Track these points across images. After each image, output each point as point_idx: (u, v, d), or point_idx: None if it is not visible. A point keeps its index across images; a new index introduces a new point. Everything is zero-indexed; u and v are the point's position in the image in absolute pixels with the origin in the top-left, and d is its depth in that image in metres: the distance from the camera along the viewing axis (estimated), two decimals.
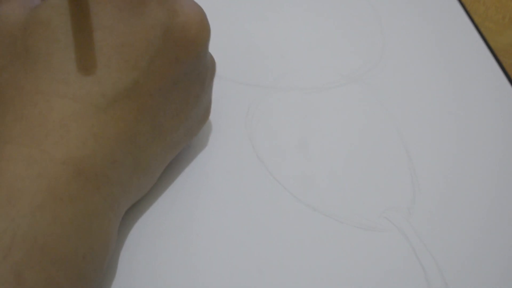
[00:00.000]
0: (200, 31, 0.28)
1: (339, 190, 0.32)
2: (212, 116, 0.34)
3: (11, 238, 0.22)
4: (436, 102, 0.36)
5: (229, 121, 0.34)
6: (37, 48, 0.26)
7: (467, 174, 0.33)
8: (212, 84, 0.31)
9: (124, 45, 0.26)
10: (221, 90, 0.36)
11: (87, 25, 0.26)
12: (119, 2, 0.26)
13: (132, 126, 0.27)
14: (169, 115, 0.29)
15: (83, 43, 0.26)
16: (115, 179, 0.26)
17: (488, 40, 0.39)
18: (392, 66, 0.38)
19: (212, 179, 0.32)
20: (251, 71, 0.37)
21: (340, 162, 0.33)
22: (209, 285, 0.28)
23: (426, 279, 0.29)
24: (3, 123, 0.25)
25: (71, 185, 0.24)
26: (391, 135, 0.35)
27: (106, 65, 0.26)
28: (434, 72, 0.38)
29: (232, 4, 0.42)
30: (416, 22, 0.40)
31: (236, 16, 0.41)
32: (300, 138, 0.34)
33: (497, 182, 0.33)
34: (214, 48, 0.33)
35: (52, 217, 0.23)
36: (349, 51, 0.38)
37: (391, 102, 0.36)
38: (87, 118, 0.25)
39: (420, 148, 0.34)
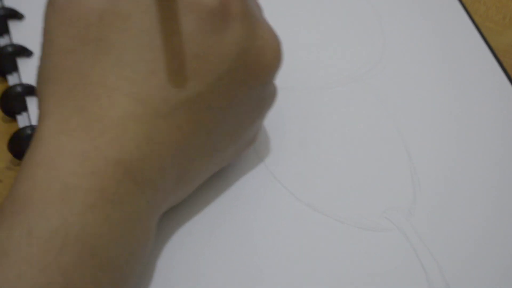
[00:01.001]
0: (273, 58, 0.28)
1: (339, 190, 0.32)
2: None
3: (63, 238, 0.22)
4: (437, 102, 0.36)
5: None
6: (111, 40, 0.25)
7: (468, 174, 0.33)
8: (268, 111, 0.31)
9: (198, 56, 0.26)
10: None
11: (164, 28, 0.25)
12: (203, 13, 0.25)
13: (187, 137, 0.26)
14: (223, 134, 0.28)
15: (152, 44, 0.25)
16: (160, 186, 0.26)
17: (489, 40, 0.39)
18: (393, 66, 0.38)
19: (212, 179, 0.32)
20: None
21: (340, 162, 0.33)
22: (209, 285, 0.28)
23: (427, 279, 0.29)
24: (63, 111, 0.25)
25: (121, 187, 0.24)
26: (391, 135, 0.34)
27: (173, 72, 0.25)
28: (435, 72, 0.38)
29: None
30: (417, 22, 0.40)
31: None
32: (301, 138, 0.34)
33: (498, 182, 0.33)
34: None
35: (102, 219, 0.23)
36: (349, 51, 0.38)
37: (391, 102, 0.36)
38: (146, 121, 0.25)
39: (421, 148, 0.34)
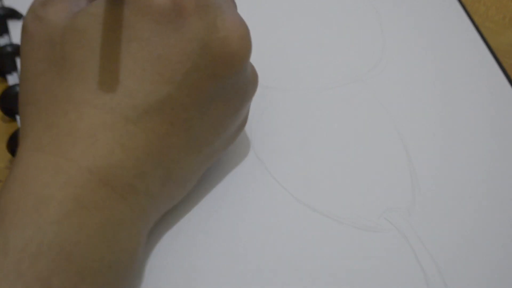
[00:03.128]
0: (240, 47, 0.27)
1: (338, 190, 0.32)
2: None
3: (38, 246, 0.22)
4: (436, 102, 0.36)
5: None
6: (73, 56, 0.26)
7: (467, 175, 0.33)
8: (253, 97, 0.31)
9: (160, 58, 0.26)
10: None
11: (119, 36, 0.26)
12: (157, 15, 0.26)
13: (164, 139, 0.26)
14: (205, 128, 0.28)
15: (111, 54, 0.25)
16: (143, 190, 0.26)
17: (489, 40, 0.39)
18: (392, 66, 0.38)
19: (212, 179, 0.32)
20: None
21: (340, 162, 0.33)
22: (209, 285, 0.28)
23: (425, 280, 0.29)
24: (35, 130, 0.25)
25: (97, 194, 0.24)
26: (391, 135, 0.34)
27: (140, 77, 0.25)
28: (434, 72, 0.38)
29: None
30: (416, 22, 0.40)
31: None
32: (300, 138, 0.34)
33: (498, 183, 0.33)
34: None
35: (78, 226, 0.23)
36: (349, 51, 0.38)
37: (391, 102, 0.36)
38: (116, 129, 0.25)
39: (420, 148, 0.34)
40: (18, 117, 0.34)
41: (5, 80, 0.36)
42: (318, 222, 0.31)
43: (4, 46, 0.36)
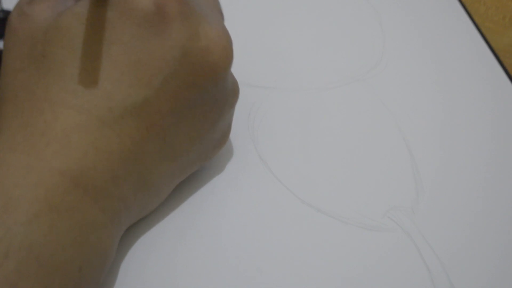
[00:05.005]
0: (220, 58, 0.27)
1: (342, 190, 0.32)
2: None
3: (7, 247, 0.22)
4: (437, 101, 0.36)
5: (232, 122, 0.34)
6: (53, 55, 0.25)
7: (470, 173, 0.33)
8: (233, 110, 0.30)
9: (139, 62, 0.25)
10: None
11: (101, 38, 0.25)
12: (139, 19, 0.25)
13: (139, 144, 0.26)
14: (181, 137, 0.28)
15: (91, 54, 0.25)
16: (116, 194, 0.26)
17: (489, 40, 0.39)
18: (393, 66, 0.38)
19: (214, 180, 0.32)
20: (253, 72, 0.37)
21: (342, 162, 0.33)
22: (211, 285, 0.28)
23: (431, 279, 0.29)
24: (10, 128, 0.25)
25: (68, 196, 0.24)
26: (393, 134, 0.34)
27: (118, 80, 0.25)
28: (435, 72, 0.38)
29: (233, 6, 0.41)
30: (417, 22, 0.40)
31: (238, 18, 0.41)
32: (303, 139, 0.34)
33: (500, 181, 0.33)
34: None
35: (48, 227, 0.23)
36: (350, 51, 0.38)
37: (392, 102, 0.36)
38: (91, 131, 0.25)
39: (423, 147, 0.34)
40: None
41: None
42: (322, 223, 0.31)
43: None
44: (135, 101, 0.26)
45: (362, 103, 0.36)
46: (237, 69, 0.37)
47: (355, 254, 0.30)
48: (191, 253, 0.29)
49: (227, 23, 0.39)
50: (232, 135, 0.34)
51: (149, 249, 0.29)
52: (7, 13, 0.38)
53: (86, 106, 0.25)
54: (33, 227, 0.23)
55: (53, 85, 0.25)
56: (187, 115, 0.27)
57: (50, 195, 0.23)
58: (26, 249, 0.22)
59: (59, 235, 0.23)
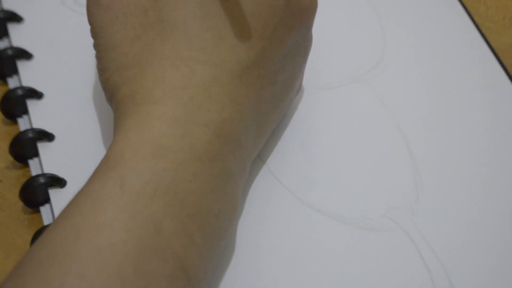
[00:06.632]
0: (311, 3, 0.30)
1: (342, 190, 0.32)
2: None
3: (154, 189, 0.23)
4: (438, 101, 0.36)
5: None
6: (173, 18, 0.27)
7: (470, 173, 0.33)
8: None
9: (253, 14, 0.27)
10: None
11: None
12: None
13: (259, 92, 0.28)
14: (283, 82, 0.30)
15: (211, 13, 0.27)
16: (244, 144, 0.27)
17: (489, 40, 0.39)
18: (393, 66, 0.38)
19: None
20: None
21: (342, 162, 0.33)
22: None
23: (431, 279, 0.29)
24: (143, 85, 0.26)
25: (211, 147, 0.25)
26: (393, 134, 0.34)
27: (239, 34, 0.27)
28: (435, 72, 0.38)
29: None
30: (417, 22, 0.40)
31: None
32: (303, 139, 0.34)
33: (500, 181, 0.33)
34: None
35: (192, 175, 0.24)
36: (350, 51, 0.38)
37: (392, 102, 0.36)
38: (226, 84, 0.27)
39: (423, 147, 0.34)
40: (19, 120, 0.34)
41: (6, 83, 0.36)
42: (322, 223, 0.31)
43: (4, 49, 0.36)
44: (256, 51, 0.27)
45: (362, 103, 0.36)
46: None
47: (355, 254, 0.30)
48: None
49: None
50: None
51: None
52: (7, 13, 0.38)
53: (218, 61, 0.27)
54: (178, 174, 0.24)
55: (181, 44, 0.27)
56: (288, 60, 0.30)
57: (195, 145, 0.25)
58: (171, 193, 0.24)
59: (202, 182, 0.25)
